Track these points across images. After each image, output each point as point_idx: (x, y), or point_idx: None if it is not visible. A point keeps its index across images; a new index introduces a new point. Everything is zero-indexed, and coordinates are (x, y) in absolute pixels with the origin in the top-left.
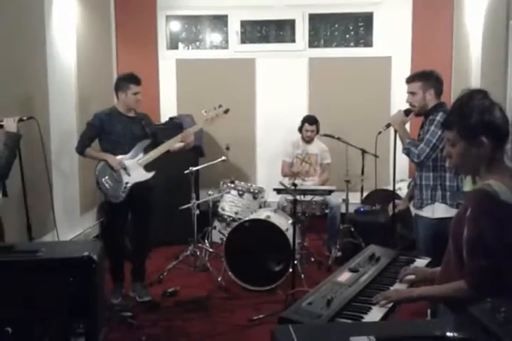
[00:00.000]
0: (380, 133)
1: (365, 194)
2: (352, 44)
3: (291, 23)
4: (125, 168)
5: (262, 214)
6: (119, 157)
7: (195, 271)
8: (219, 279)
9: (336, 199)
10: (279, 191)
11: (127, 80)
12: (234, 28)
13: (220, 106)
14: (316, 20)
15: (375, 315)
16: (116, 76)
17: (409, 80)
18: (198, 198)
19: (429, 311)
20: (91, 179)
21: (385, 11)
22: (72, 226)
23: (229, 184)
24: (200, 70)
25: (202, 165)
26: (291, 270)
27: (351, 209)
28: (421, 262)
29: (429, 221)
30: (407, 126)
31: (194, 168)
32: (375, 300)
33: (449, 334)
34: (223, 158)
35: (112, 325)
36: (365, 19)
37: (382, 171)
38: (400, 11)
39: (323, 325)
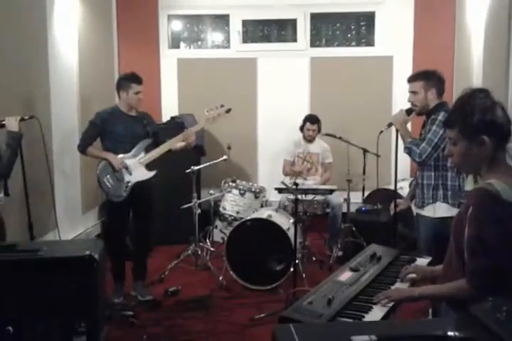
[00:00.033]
0: (381, 132)
1: (366, 193)
2: (354, 43)
3: (293, 23)
4: (126, 167)
5: (264, 214)
6: (121, 156)
7: (196, 270)
8: (220, 278)
9: (337, 198)
10: (280, 190)
11: (129, 79)
12: (235, 27)
13: (222, 105)
14: (318, 20)
15: (376, 314)
16: (117, 75)
17: (411, 79)
18: (199, 197)
19: (430, 310)
20: (93, 178)
21: (387, 11)
22: (74, 226)
23: (230, 183)
24: (201, 70)
25: (203, 165)
26: (292, 269)
27: (353, 209)
28: (422, 261)
29: (431, 220)
30: (409, 126)
31: (195, 167)
32: (376, 300)
33: (450, 333)
34: (225, 157)
35: (114, 323)
36: (366, 18)
37: (383, 170)
38: (402, 10)
39: (324, 324)
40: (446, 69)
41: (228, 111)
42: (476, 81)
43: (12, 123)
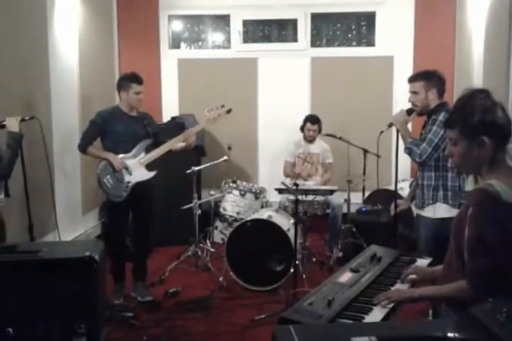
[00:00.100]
0: (382, 132)
1: (366, 194)
2: (354, 43)
3: (294, 23)
4: (127, 168)
5: (264, 214)
6: (121, 156)
7: (196, 271)
8: (220, 279)
9: (337, 199)
10: (280, 191)
11: (129, 80)
12: (236, 27)
13: (223, 106)
14: (318, 20)
15: (376, 315)
16: (118, 75)
17: (412, 80)
18: (199, 198)
19: (430, 311)
20: (93, 179)
21: (388, 11)
22: (74, 227)
23: (231, 184)
24: (202, 70)
25: (204, 165)
26: (292, 270)
27: (353, 209)
28: (422, 262)
29: (431, 221)
30: (410, 126)
31: (196, 168)
32: (377, 301)
33: (450, 334)
34: (225, 157)
35: (114, 325)
36: (367, 18)
37: (384, 171)
38: (402, 10)
39: (324, 326)
40: (446, 69)
41: (229, 111)
42: (477, 81)
43: (12, 124)
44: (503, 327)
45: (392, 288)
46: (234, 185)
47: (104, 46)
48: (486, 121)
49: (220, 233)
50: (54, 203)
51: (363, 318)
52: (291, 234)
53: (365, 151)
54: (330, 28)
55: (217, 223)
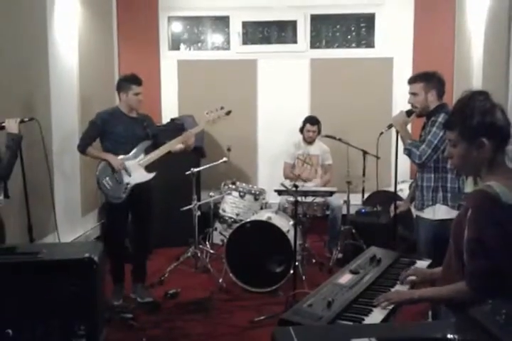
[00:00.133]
0: (381, 133)
1: (366, 195)
2: (354, 45)
3: (293, 24)
4: (126, 169)
5: (263, 216)
6: (120, 157)
7: (196, 272)
8: (220, 280)
9: (337, 200)
10: (280, 192)
11: (128, 81)
12: (235, 29)
13: (222, 107)
14: (318, 21)
15: (376, 316)
16: (118, 77)
17: (411, 81)
18: (199, 199)
19: (430, 313)
20: (92, 180)
21: (387, 12)
22: (73, 228)
23: (230, 185)
24: (201, 71)
25: (203, 167)
26: (292, 271)
27: (352, 211)
28: (422, 264)
29: (430, 222)
30: (409, 127)
31: (195, 169)
32: (376, 302)
33: (449, 336)
34: (224, 159)
35: (113, 326)
36: (366, 20)
37: (383, 172)
38: (402, 12)
39: (323, 327)
40: (446, 71)
41: (228, 113)
42: (476, 83)
43: (12, 125)
44: (502, 328)
45: (392, 290)
46: (233, 187)
47: (103, 47)
48: (486, 123)
49: (219, 234)
50: (53, 204)
51: (363, 320)
52: (290, 236)
53: (365, 153)
54: (329, 30)
55: (217, 224)
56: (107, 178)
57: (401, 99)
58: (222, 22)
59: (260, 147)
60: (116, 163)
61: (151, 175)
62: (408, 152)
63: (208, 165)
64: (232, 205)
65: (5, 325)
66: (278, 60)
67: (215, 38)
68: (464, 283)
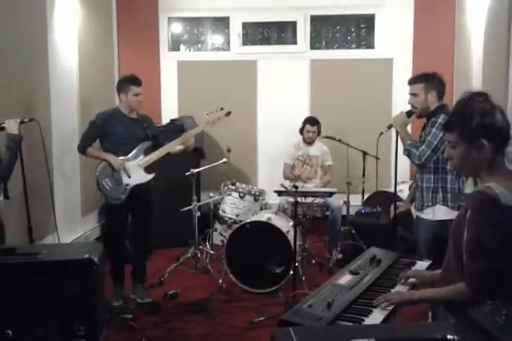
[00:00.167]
0: (381, 134)
1: (366, 196)
2: (353, 46)
3: (293, 25)
4: (125, 170)
5: (263, 216)
6: (120, 158)
7: (195, 273)
8: (220, 281)
9: (336, 201)
10: (280, 193)
11: (128, 82)
12: (235, 29)
13: (222, 108)
14: (318, 22)
15: (376, 317)
16: (117, 77)
17: (412, 82)
18: (199, 200)
19: (430, 313)
20: (92, 181)
21: (387, 13)
22: (73, 229)
23: (230, 186)
24: (201, 72)
25: (203, 167)
26: (291, 272)
27: (352, 211)
28: (422, 264)
29: (430, 223)
30: (409, 128)
31: (195, 170)
32: (376, 303)
33: (449, 337)
34: (224, 159)
35: (113, 327)
36: (366, 21)
37: (383, 173)
38: (402, 12)
39: (323, 328)
40: (446, 71)
41: (228, 114)
42: (476, 83)
43: (12, 126)
44: (502, 329)
45: (392, 290)
46: (233, 187)
47: (103, 48)
48: (485, 124)
49: (219, 235)
50: (53, 205)
51: (363, 320)
52: (290, 236)
53: (365, 153)
54: (329, 31)
55: (217, 225)
56: (107, 179)
57: (401, 100)
58: (222, 23)
59: (260, 148)
60: (116, 162)
61: (151, 176)
62: (408, 153)
63: (207, 166)
64: (232, 206)
65: (5, 326)
66: (278, 60)
67: (215, 38)
68: (463, 284)
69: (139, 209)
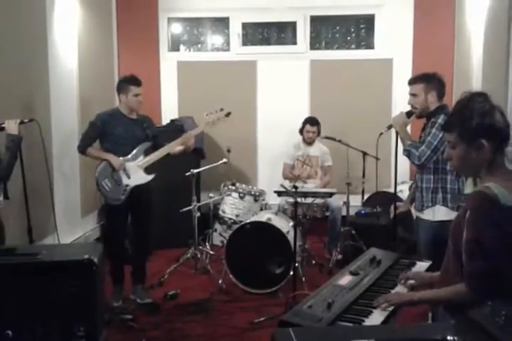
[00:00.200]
0: (381, 134)
1: (366, 196)
2: (353, 46)
3: (293, 25)
4: (125, 170)
5: (263, 217)
6: (120, 159)
7: (195, 273)
8: (220, 282)
9: (336, 201)
10: (279, 193)
11: (128, 82)
12: (235, 30)
13: (222, 109)
14: (318, 23)
15: (376, 318)
16: (117, 78)
17: (412, 82)
18: (198, 200)
19: (430, 314)
20: (92, 181)
21: (387, 13)
22: (73, 229)
23: (230, 186)
24: (201, 72)
25: (203, 168)
26: (291, 273)
27: (352, 212)
28: (422, 265)
29: (430, 223)
30: (409, 128)
31: (195, 171)
32: (376, 304)
33: (449, 337)
34: (224, 160)
35: (113, 327)
36: (366, 21)
37: (383, 173)
38: (402, 13)
39: (323, 328)
40: (445, 71)
41: (228, 114)
42: (476, 84)
43: (12, 126)
44: (502, 330)
45: (392, 291)
46: (233, 188)
47: (103, 48)
48: (485, 125)
49: (219, 235)
50: (53, 205)
51: (363, 321)
52: (290, 237)
53: (364, 154)
54: (329, 31)
55: (217, 225)
56: (106, 180)
57: (400, 101)
58: (221, 23)
59: (260, 148)
60: (116, 162)
61: (150, 177)
62: (407, 153)
63: (207, 167)
64: (232, 206)
65: (4, 326)
66: (278, 61)
67: (214, 39)
68: (463, 284)
69: (139, 210)
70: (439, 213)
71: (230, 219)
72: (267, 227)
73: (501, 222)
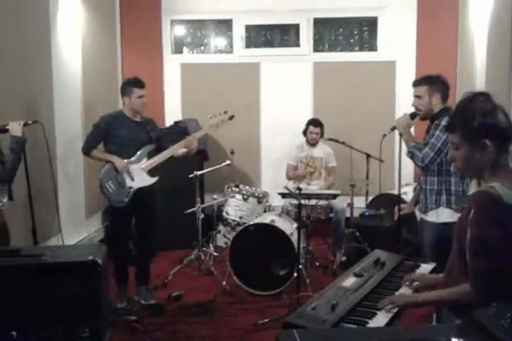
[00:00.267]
0: (384, 135)
1: (370, 198)
2: (356, 48)
3: (296, 28)
4: (129, 172)
5: (267, 219)
6: (124, 161)
7: (199, 275)
8: (223, 283)
9: (340, 203)
10: (283, 195)
11: (131, 84)
12: (238, 32)
13: (226, 112)
14: (321, 25)
15: (380, 320)
16: (121, 80)
17: (416, 84)
18: (202, 202)
19: (434, 316)
20: (96, 183)
21: (390, 16)
22: (77, 230)
23: (233, 188)
24: (204, 74)
25: (207, 170)
26: (295, 274)
27: (356, 214)
28: (426, 267)
29: (434, 225)
30: (412, 130)
31: (199, 172)
32: (381, 305)
33: (454, 339)
34: (228, 162)
35: (117, 328)
36: (369, 23)
37: (387, 175)
38: (405, 15)
39: (327, 330)
40: (449, 74)
41: (231, 117)
42: (479, 86)
43: (16, 128)
44: (507, 332)
45: (397, 293)
46: (237, 190)
47: (107, 51)
48: (487, 124)
49: (223, 237)
50: (57, 207)
51: (367, 323)
52: (294, 239)
53: (368, 156)
54: (332, 33)
55: (220, 227)
56: (110, 182)
57: (404, 103)
58: (225, 25)
59: (263, 150)
60: (120, 164)
61: (154, 180)
62: (411, 155)
63: (211, 168)
64: (236, 208)
65: (9, 327)
66: (281, 63)
67: (218, 41)
68: (467, 284)
69: (143, 212)
70: (443, 215)
71: (234, 220)
72: (270, 229)
73: (505, 222)
